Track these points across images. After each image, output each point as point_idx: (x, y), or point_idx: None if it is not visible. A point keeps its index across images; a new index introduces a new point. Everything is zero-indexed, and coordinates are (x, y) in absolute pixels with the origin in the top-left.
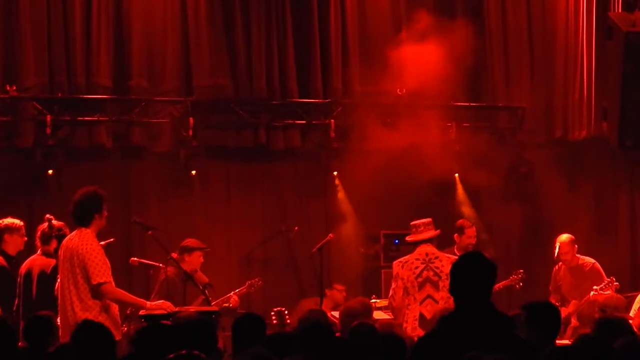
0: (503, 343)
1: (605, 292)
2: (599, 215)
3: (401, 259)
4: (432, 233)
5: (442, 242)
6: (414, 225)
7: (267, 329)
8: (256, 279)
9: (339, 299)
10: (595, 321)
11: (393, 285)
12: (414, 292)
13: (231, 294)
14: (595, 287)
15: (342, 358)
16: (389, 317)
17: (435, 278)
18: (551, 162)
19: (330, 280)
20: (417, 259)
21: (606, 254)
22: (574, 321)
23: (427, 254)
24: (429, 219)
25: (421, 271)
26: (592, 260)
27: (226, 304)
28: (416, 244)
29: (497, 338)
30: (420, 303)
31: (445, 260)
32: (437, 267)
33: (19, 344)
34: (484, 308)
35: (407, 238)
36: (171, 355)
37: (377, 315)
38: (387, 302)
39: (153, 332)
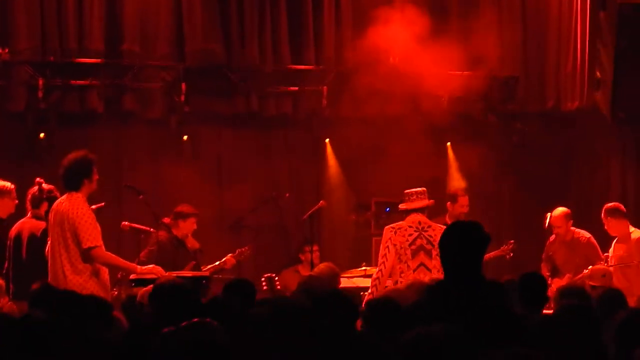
0: (489, 313)
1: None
2: (591, 185)
3: (393, 225)
4: (425, 202)
5: (433, 211)
6: (408, 193)
7: (258, 295)
8: (245, 248)
9: (314, 260)
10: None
11: (383, 252)
12: (407, 259)
13: (227, 256)
14: (589, 266)
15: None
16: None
17: (429, 246)
18: (543, 133)
19: (321, 247)
20: (410, 226)
21: (597, 224)
22: None
23: (419, 222)
24: (423, 189)
25: (415, 239)
26: (588, 235)
27: (220, 264)
28: (407, 212)
29: (484, 308)
30: (414, 271)
31: (438, 230)
32: (431, 236)
33: None
34: (474, 278)
35: (400, 206)
36: (184, 323)
37: (361, 282)
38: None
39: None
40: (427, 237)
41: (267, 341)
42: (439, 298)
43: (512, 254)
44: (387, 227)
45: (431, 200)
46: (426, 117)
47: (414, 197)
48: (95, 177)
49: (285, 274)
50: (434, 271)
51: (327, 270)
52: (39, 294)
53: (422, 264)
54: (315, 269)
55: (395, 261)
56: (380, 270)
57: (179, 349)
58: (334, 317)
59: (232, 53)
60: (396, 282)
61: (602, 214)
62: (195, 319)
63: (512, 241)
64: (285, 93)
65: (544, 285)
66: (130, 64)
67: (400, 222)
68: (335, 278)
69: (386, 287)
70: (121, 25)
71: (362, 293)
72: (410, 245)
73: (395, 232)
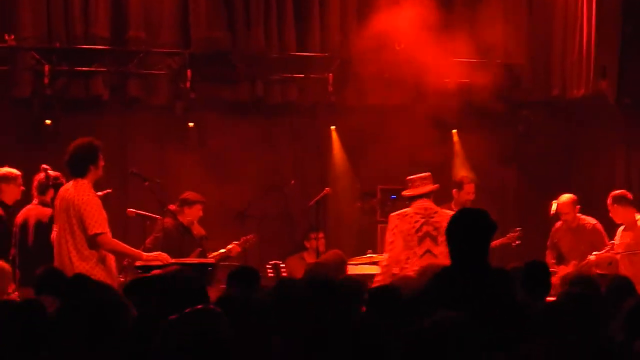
0: (494, 301)
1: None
2: (596, 173)
3: (399, 212)
4: (429, 187)
5: (438, 198)
6: (411, 179)
7: (263, 282)
8: (250, 235)
9: (320, 247)
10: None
11: (390, 239)
12: (414, 245)
13: (232, 244)
14: (595, 252)
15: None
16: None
17: (435, 233)
18: (549, 120)
19: (326, 234)
20: (417, 213)
21: (602, 211)
22: None
23: (426, 209)
24: (427, 173)
25: (421, 225)
26: (594, 221)
27: (225, 252)
28: (413, 198)
29: (489, 296)
30: (420, 257)
31: (444, 216)
32: (437, 222)
33: None
34: (480, 265)
35: (404, 193)
36: (187, 310)
37: (367, 269)
38: (382, 257)
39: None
40: (434, 223)
41: (270, 327)
42: (444, 285)
43: (518, 242)
44: (392, 214)
45: (436, 185)
46: (432, 105)
47: (418, 182)
48: (101, 163)
49: (291, 261)
50: (441, 257)
51: (334, 258)
52: (45, 278)
53: (428, 251)
54: (323, 256)
55: (402, 248)
56: (389, 257)
57: (181, 336)
58: (339, 303)
59: (238, 40)
60: (402, 269)
61: (609, 201)
62: (199, 306)
63: (518, 229)
64: (290, 80)
65: (547, 273)
66: (136, 51)
67: (406, 209)
68: (342, 265)
69: (394, 274)
70: (127, 11)
71: (367, 280)
72: (416, 232)
73: (402, 219)
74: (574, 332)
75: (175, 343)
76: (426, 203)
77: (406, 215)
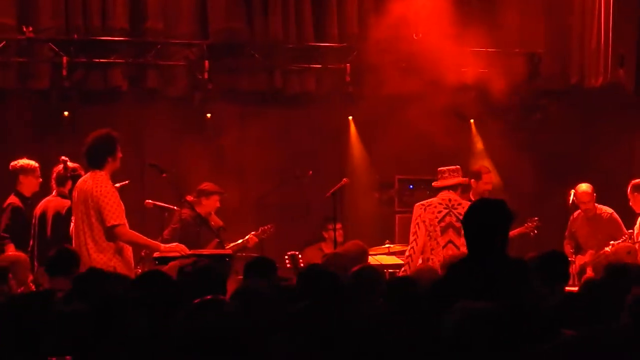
0: (511, 291)
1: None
2: (613, 162)
3: (423, 202)
4: (457, 180)
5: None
6: (440, 171)
7: (281, 273)
8: (268, 226)
9: (337, 238)
10: (604, 267)
11: (414, 229)
12: (437, 236)
13: (250, 234)
14: (612, 242)
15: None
16: (399, 262)
17: (458, 224)
18: (567, 109)
19: (344, 225)
20: (440, 204)
21: (620, 200)
22: (589, 272)
23: (450, 200)
24: (456, 167)
25: (444, 216)
26: (610, 210)
27: (243, 243)
28: (439, 189)
29: (506, 286)
30: (443, 248)
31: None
32: (460, 213)
33: None
34: (498, 255)
35: (434, 184)
36: (196, 300)
37: (385, 260)
38: (400, 247)
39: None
40: (457, 214)
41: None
42: (461, 276)
43: (536, 231)
44: (417, 204)
45: (465, 179)
46: (449, 95)
47: (447, 174)
48: (119, 155)
49: (309, 251)
50: (462, 248)
51: (356, 248)
52: (57, 259)
53: (450, 241)
54: (344, 246)
55: (426, 238)
56: (412, 247)
57: (187, 327)
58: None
59: (255, 30)
60: (427, 260)
61: (629, 190)
62: (208, 297)
63: (536, 218)
64: (308, 70)
65: (566, 263)
66: (154, 42)
67: (431, 199)
68: (364, 256)
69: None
70: (144, 3)
71: (385, 270)
72: (439, 222)
73: (425, 209)
74: (596, 322)
75: (182, 334)
76: (451, 194)
77: (430, 205)
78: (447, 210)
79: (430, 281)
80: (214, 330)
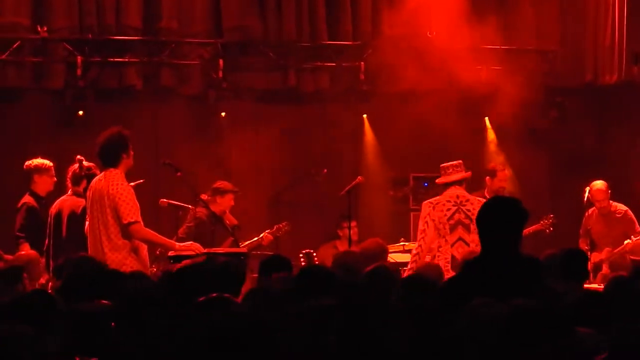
0: (526, 289)
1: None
2: (628, 159)
3: (431, 200)
4: (462, 175)
5: (471, 186)
6: (444, 167)
7: (296, 271)
8: (283, 223)
9: (352, 236)
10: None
11: (422, 227)
12: (445, 234)
13: (265, 232)
14: (632, 237)
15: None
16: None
17: (467, 221)
18: (581, 107)
19: (359, 223)
20: (449, 201)
21: (635, 198)
22: (605, 268)
23: (457, 196)
24: (459, 161)
25: (453, 213)
26: (625, 208)
27: (258, 241)
28: (446, 185)
29: (520, 284)
30: (452, 245)
31: (476, 203)
32: (469, 210)
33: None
34: (511, 254)
35: (437, 180)
36: (201, 298)
37: (400, 257)
38: (415, 244)
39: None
40: (465, 211)
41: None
42: (476, 273)
43: (552, 229)
44: (425, 202)
45: (468, 172)
46: (464, 92)
47: (450, 170)
48: (132, 152)
49: (323, 249)
50: (472, 245)
51: (375, 246)
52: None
53: (460, 239)
54: (364, 244)
55: (435, 236)
56: (420, 245)
57: (195, 324)
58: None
59: (269, 29)
60: (434, 257)
61: None
62: (214, 294)
63: (551, 215)
64: (322, 68)
65: (585, 261)
66: (168, 41)
67: (438, 197)
68: (384, 254)
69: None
70: (159, 1)
71: (400, 268)
72: (448, 220)
73: (434, 207)
74: (616, 320)
75: (188, 331)
76: (458, 190)
77: (438, 203)
78: (455, 207)
79: (434, 279)
80: (218, 328)
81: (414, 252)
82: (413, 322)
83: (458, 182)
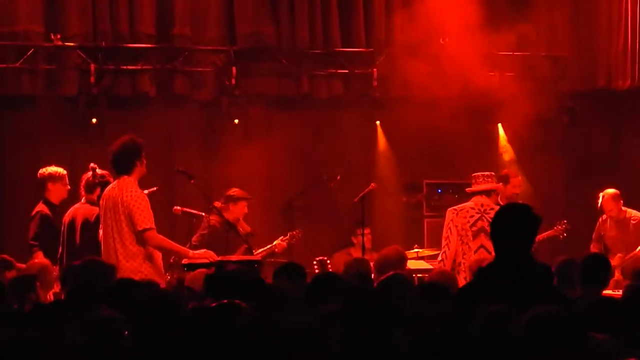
0: (538, 296)
1: None
2: None
3: (456, 207)
4: (490, 185)
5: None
6: (475, 176)
7: (309, 278)
8: (297, 230)
9: (366, 243)
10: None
11: (446, 234)
12: (468, 240)
13: (278, 240)
14: None
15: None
16: (428, 266)
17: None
18: (594, 112)
19: (372, 230)
20: (473, 208)
21: None
22: (617, 274)
23: (482, 205)
24: (490, 172)
25: (476, 220)
26: (639, 215)
27: (271, 248)
28: (473, 194)
29: (533, 291)
30: (474, 252)
31: None
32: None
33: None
34: (524, 260)
35: (467, 189)
36: (213, 304)
37: (413, 264)
38: (429, 251)
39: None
40: (489, 219)
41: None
42: (489, 280)
43: (565, 234)
44: (449, 209)
45: (499, 184)
46: (476, 98)
47: (481, 179)
48: (144, 160)
49: (337, 257)
50: (494, 253)
51: (395, 253)
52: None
53: (482, 246)
54: (383, 251)
55: (458, 243)
56: (444, 252)
57: (205, 328)
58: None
59: (283, 35)
60: (459, 264)
61: None
62: (224, 300)
63: (565, 221)
64: (335, 75)
65: (608, 267)
66: (181, 48)
67: (464, 204)
68: (402, 262)
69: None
70: (172, 8)
71: (414, 275)
72: (471, 226)
73: (457, 214)
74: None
75: (198, 336)
76: (484, 199)
77: (462, 209)
78: (479, 215)
79: (447, 286)
80: (228, 332)
81: (439, 258)
82: (428, 328)
83: (486, 192)
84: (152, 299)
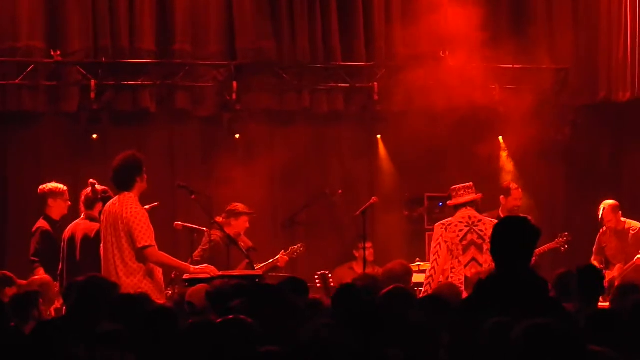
0: (538, 308)
1: None
2: None
3: (444, 222)
4: (473, 196)
5: (485, 205)
6: (454, 189)
7: (311, 292)
8: (299, 245)
9: (368, 257)
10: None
11: (435, 249)
12: (458, 254)
13: (281, 254)
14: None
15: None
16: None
17: (480, 241)
18: (595, 124)
19: (374, 243)
20: (461, 222)
21: None
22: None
23: (470, 217)
24: (469, 183)
25: (465, 234)
26: (639, 225)
27: (273, 262)
28: (457, 207)
29: (532, 303)
30: (465, 266)
31: (488, 224)
32: (481, 230)
33: None
34: (523, 273)
35: (449, 202)
36: (218, 320)
37: (415, 278)
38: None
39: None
40: (478, 231)
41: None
42: (489, 293)
43: (566, 246)
44: (437, 224)
45: (479, 194)
46: (477, 111)
47: (462, 191)
48: (145, 175)
49: (339, 271)
50: (485, 266)
51: (400, 268)
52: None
53: (473, 259)
54: (388, 265)
55: (448, 257)
56: (433, 267)
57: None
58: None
59: (283, 50)
60: (447, 278)
61: None
62: (230, 316)
63: (566, 233)
64: (336, 89)
65: (601, 278)
66: (182, 63)
67: (450, 219)
68: (407, 275)
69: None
70: (172, 24)
71: (416, 289)
72: (461, 240)
73: (446, 229)
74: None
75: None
76: (469, 211)
77: (450, 224)
78: (468, 228)
79: (451, 298)
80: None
81: (427, 274)
82: (430, 341)
83: (469, 204)
84: (153, 314)
